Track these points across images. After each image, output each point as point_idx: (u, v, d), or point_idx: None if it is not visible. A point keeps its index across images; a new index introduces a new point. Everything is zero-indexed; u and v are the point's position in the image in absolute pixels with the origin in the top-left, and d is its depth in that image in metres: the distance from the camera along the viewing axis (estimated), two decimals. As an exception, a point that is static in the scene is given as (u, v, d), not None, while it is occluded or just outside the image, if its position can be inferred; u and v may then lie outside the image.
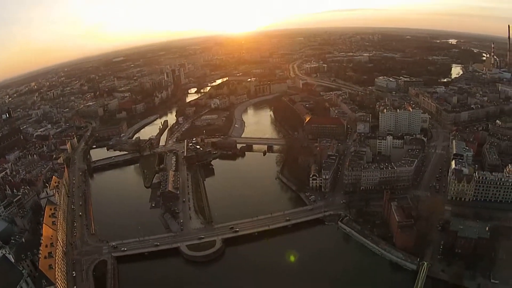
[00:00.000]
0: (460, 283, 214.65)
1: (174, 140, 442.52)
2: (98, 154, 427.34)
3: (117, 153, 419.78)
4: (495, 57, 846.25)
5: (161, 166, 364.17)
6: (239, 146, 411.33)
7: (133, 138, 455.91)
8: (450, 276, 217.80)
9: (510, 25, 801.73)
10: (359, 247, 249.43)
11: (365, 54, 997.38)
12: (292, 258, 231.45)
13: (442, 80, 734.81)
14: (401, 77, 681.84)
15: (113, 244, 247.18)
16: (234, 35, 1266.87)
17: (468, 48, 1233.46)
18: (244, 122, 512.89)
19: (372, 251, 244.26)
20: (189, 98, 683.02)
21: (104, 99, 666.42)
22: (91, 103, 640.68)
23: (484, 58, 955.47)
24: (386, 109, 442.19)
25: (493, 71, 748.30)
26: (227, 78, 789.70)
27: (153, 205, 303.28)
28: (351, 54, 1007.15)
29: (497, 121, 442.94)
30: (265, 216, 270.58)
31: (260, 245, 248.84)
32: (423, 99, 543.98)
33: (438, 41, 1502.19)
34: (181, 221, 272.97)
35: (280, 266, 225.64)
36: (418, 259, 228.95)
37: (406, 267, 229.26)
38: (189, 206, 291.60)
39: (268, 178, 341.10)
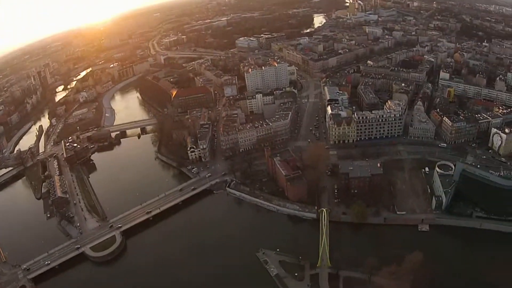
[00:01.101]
0: (365, 221, 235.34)
1: (52, 143, 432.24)
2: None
3: (4, 170, 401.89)
4: (359, 1, 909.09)
5: (46, 174, 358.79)
6: (113, 134, 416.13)
7: (15, 152, 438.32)
8: (352, 217, 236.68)
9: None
10: (253, 208, 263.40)
11: (223, 19, 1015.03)
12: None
13: (305, 31, 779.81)
14: (262, 35, 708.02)
15: (25, 266, 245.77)
16: (92, 24, 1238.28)
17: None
18: (114, 110, 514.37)
19: (267, 209, 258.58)
20: (58, 97, 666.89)
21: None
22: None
23: (347, 4, 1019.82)
24: (251, 68, 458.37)
25: (358, 15, 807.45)
26: (90, 69, 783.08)
27: (48, 215, 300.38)
28: (209, 20, 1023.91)
29: (368, 61, 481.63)
30: (154, 198, 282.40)
31: (158, 228, 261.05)
32: (288, 53, 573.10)
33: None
34: (78, 224, 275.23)
35: (181, 246, 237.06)
36: (316, 207, 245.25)
37: (306, 217, 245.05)
38: (81, 208, 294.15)
39: (148, 160, 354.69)
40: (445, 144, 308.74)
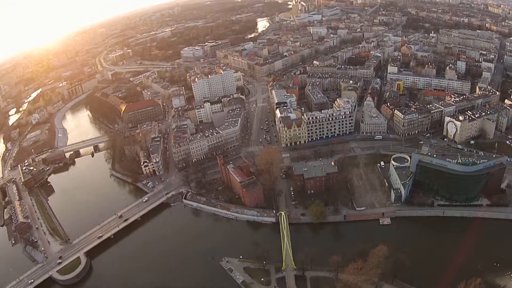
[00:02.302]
0: (325, 220, 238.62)
1: (9, 168, 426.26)
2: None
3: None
4: (302, 3, 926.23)
5: (6, 199, 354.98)
6: (67, 155, 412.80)
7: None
8: (312, 217, 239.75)
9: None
10: (212, 218, 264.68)
11: (167, 29, 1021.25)
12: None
13: (250, 36, 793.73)
14: (206, 43, 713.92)
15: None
16: (41, 47, 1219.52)
17: (272, 0, 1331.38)
18: (66, 129, 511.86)
19: (226, 217, 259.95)
20: (12, 120, 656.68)
21: None
22: None
23: (290, 6, 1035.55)
24: (197, 77, 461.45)
25: (302, 17, 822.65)
26: (40, 90, 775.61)
27: (13, 241, 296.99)
28: (154, 32, 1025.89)
29: (315, 61, 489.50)
30: (113, 216, 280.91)
31: (120, 246, 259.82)
32: (233, 59, 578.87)
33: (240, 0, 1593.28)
34: (43, 248, 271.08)
35: (144, 262, 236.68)
36: (274, 211, 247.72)
37: (266, 222, 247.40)
38: (43, 232, 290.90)
39: (103, 178, 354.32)
40: (380, 136, 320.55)
